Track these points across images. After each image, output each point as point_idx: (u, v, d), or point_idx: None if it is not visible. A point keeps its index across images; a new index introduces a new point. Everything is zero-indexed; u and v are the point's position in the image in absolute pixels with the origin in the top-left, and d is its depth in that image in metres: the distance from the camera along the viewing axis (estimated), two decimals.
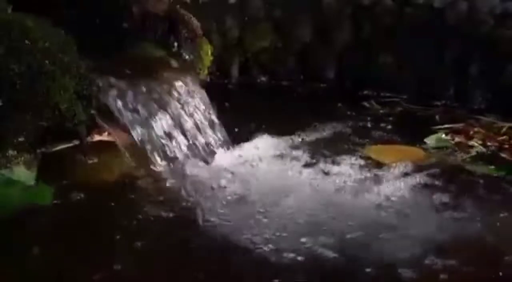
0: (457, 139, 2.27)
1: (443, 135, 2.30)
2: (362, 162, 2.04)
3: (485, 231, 1.62)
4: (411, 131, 2.41)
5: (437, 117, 2.57)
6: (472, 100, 2.73)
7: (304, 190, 1.82)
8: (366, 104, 2.71)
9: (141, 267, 1.43)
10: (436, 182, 1.90)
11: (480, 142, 2.24)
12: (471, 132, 2.32)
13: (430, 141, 2.27)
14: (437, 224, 1.64)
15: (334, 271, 1.43)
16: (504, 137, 2.27)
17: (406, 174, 1.94)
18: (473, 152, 2.17)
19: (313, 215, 1.66)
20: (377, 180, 1.90)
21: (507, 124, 2.38)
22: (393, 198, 1.78)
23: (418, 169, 1.98)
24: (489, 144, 2.23)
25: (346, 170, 1.97)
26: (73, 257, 1.44)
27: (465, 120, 2.48)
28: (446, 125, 2.41)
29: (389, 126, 2.46)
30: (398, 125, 2.48)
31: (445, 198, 1.79)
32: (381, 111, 2.65)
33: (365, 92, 2.86)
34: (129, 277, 1.39)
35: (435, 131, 2.36)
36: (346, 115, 2.56)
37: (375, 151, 2.15)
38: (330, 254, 1.46)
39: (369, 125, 2.48)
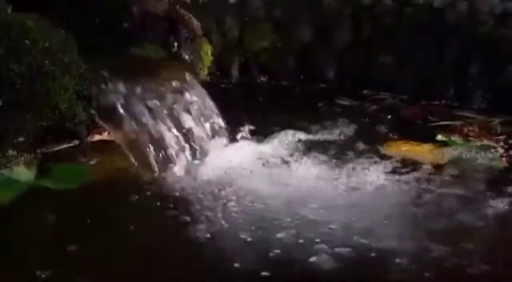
0: (452, 137, 2.29)
1: (440, 136, 2.30)
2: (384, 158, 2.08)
3: None
4: (407, 129, 2.42)
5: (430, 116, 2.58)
6: (472, 100, 2.73)
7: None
8: (345, 102, 2.70)
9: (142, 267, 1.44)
10: None
11: (475, 140, 2.26)
12: (465, 130, 2.33)
13: (441, 138, 2.29)
14: None
15: None
16: (500, 137, 2.28)
17: None
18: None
19: None
20: None
21: (498, 120, 2.41)
22: None
23: None
24: (477, 143, 2.24)
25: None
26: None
27: (462, 119, 2.49)
28: (443, 123, 2.43)
29: (389, 125, 2.47)
30: (395, 123, 2.50)
31: None
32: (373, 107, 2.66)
33: (365, 92, 2.86)
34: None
35: (433, 129, 2.37)
36: (345, 114, 2.57)
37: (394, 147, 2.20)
38: None
39: (370, 124, 2.48)
